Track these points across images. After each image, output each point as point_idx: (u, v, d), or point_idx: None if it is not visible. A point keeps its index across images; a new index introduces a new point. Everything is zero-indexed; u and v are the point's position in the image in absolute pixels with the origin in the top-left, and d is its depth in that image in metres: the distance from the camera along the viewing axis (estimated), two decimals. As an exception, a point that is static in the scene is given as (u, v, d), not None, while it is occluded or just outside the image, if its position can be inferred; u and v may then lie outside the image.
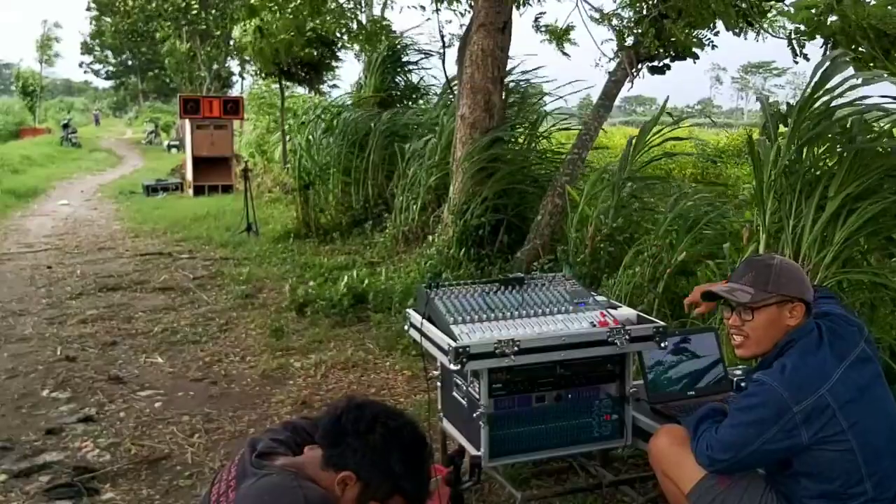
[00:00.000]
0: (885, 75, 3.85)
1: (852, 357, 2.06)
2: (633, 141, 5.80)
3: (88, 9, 33.75)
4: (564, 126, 7.99)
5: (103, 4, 31.65)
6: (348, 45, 11.01)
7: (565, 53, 7.86)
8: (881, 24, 3.95)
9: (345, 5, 9.05)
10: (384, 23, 9.63)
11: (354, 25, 9.29)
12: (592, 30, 6.58)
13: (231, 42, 20.12)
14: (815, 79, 3.88)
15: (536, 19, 7.79)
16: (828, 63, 3.91)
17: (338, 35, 10.78)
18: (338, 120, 9.61)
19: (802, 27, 5.31)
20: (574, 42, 7.76)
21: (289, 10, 9.85)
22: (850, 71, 4.01)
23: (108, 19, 32.68)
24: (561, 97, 7.89)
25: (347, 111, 9.89)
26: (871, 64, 4.26)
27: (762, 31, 6.53)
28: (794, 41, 5.93)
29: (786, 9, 6.02)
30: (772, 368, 2.09)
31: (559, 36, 7.69)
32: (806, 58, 6.12)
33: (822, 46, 4.77)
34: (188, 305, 6.15)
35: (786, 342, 2.12)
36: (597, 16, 6.69)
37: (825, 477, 1.99)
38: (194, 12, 22.08)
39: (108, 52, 41.81)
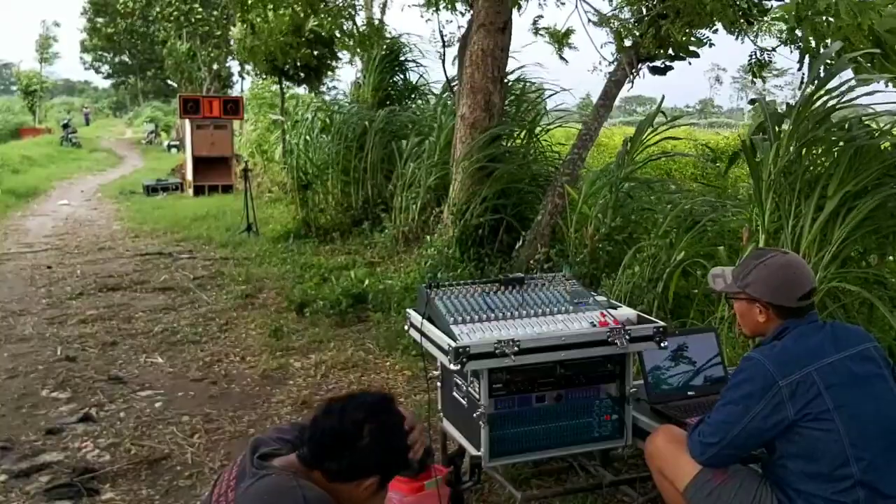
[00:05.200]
0: (881, 80, 3.87)
1: (853, 351, 2.08)
2: (629, 140, 5.81)
3: (84, 11, 33.71)
4: (563, 120, 7.99)
5: (99, 5, 31.60)
6: (342, 47, 10.96)
7: (563, 59, 7.82)
8: (852, 36, 4.02)
9: (341, 4, 8.98)
10: (379, 26, 9.57)
11: (350, 25, 9.22)
12: (591, 33, 6.53)
13: (231, 42, 20.09)
14: (811, 75, 3.91)
15: (535, 22, 7.74)
16: (827, 61, 3.93)
17: (335, 35, 10.73)
18: (334, 118, 9.61)
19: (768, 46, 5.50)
20: (574, 46, 7.71)
21: (284, 9, 9.80)
22: (849, 73, 4.03)
23: (101, 20, 32.63)
24: (558, 92, 7.92)
25: (344, 109, 9.88)
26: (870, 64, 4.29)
27: (760, 33, 6.56)
28: (755, 59, 6.06)
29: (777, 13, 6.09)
30: (764, 346, 2.14)
31: (559, 39, 7.63)
32: (764, 80, 6.30)
33: (798, 62, 4.86)
34: (188, 305, 6.16)
35: (782, 329, 2.15)
36: (595, 19, 6.66)
37: (811, 456, 2.00)
38: (198, 17, 22.02)
39: (106, 53, 41.72)
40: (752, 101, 4.69)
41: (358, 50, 9.32)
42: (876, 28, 4.06)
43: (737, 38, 6.16)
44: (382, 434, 1.70)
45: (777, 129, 4.04)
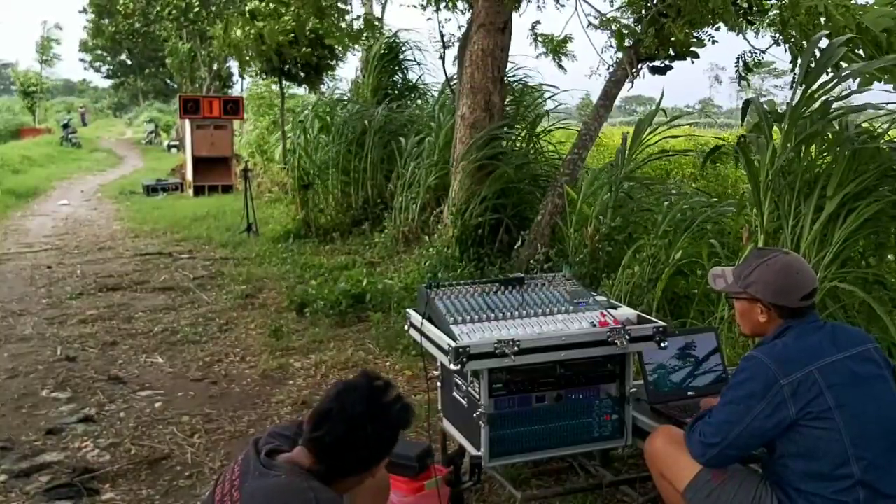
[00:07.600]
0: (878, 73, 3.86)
1: (854, 351, 2.09)
2: (629, 138, 5.80)
3: (83, 11, 33.65)
4: (563, 122, 7.99)
5: (101, 6, 31.56)
6: (336, 45, 10.89)
7: (562, 67, 7.79)
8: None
9: (339, 4, 8.93)
10: (372, 19, 9.48)
11: (349, 20, 9.17)
12: (591, 35, 6.46)
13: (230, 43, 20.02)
14: (800, 71, 3.91)
15: (533, 27, 7.72)
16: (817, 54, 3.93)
17: (329, 30, 10.71)
18: (333, 117, 9.60)
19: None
20: (572, 54, 7.66)
21: (289, 15, 9.79)
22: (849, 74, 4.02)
23: (105, 20, 32.58)
24: (556, 93, 7.92)
25: (343, 107, 9.87)
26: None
27: (760, 31, 6.57)
28: (743, 61, 6.10)
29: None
30: (764, 345, 2.14)
31: (555, 47, 7.60)
32: (748, 84, 6.35)
33: (790, 62, 4.88)
34: (188, 305, 6.15)
35: (783, 328, 2.15)
36: (596, 22, 6.65)
37: (811, 456, 2.00)
38: (196, 10, 21.96)
39: (106, 53, 41.65)
40: (745, 104, 4.68)
41: (351, 45, 9.25)
42: (871, 28, 4.05)
43: (738, 35, 6.16)
44: (385, 420, 1.73)
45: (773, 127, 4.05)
